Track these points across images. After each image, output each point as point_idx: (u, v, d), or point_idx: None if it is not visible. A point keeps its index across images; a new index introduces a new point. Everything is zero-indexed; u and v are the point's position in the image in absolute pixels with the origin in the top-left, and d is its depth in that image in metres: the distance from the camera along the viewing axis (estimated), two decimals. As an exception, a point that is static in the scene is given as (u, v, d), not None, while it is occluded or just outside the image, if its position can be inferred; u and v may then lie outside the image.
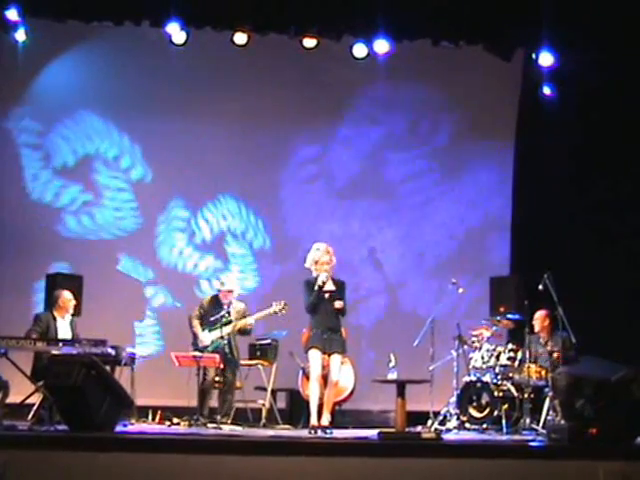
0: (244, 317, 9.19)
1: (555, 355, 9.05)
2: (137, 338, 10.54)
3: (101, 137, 10.80)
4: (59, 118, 10.71)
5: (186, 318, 9.40)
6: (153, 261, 10.83)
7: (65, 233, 10.68)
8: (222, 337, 8.97)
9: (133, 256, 10.76)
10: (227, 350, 9.05)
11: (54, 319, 8.87)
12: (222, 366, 8.94)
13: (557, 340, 9.14)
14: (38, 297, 10.05)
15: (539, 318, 9.45)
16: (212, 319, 9.08)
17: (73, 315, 9.07)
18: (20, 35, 9.82)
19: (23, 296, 10.32)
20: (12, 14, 9.42)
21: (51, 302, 9.04)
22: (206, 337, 9.08)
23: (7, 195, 10.60)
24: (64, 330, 8.87)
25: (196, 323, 9.17)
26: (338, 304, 8.23)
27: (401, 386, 8.29)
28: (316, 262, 8.34)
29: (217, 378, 8.98)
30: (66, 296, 9.00)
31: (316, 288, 8.23)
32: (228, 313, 9.05)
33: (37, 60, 10.48)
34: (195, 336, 9.15)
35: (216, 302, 9.24)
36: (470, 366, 9.44)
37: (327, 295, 8.30)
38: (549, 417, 8.72)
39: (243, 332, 9.25)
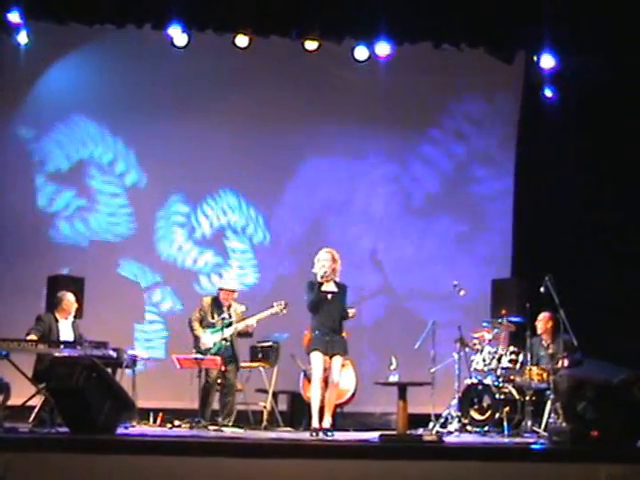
0: (244, 319, 9.19)
1: (558, 361, 9.04)
2: (138, 340, 10.54)
3: (101, 141, 10.81)
4: (60, 121, 10.71)
5: (187, 320, 9.41)
6: (152, 259, 10.85)
7: (60, 239, 10.69)
8: (225, 339, 8.97)
9: (133, 258, 10.78)
10: (229, 352, 9.05)
11: (56, 320, 8.87)
12: (224, 368, 8.94)
13: (559, 343, 9.13)
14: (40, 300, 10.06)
15: (542, 319, 9.44)
16: (213, 321, 9.09)
17: (75, 317, 9.07)
18: (22, 38, 9.82)
19: (24, 298, 10.33)
20: (14, 17, 9.41)
21: (54, 304, 9.04)
22: (208, 339, 9.06)
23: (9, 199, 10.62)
24: (66, 332, 8.87)
25: (197, 326, 9.15)
26: (351, 312, 8.57)
27: (402, 388, 8.28)
28: (317, 262, 8.42)
29: (219, 380, 8.98)
30: (69, 298, 9.00)
31: (319, 278, 8.33)
32: (229, 315, 9.05)
33: (39, 63, 10.49)
34: (196, 339, 9.13)
35: (216, 304, 9.23)
36: (471, 369, 9.43)
37: (329, 296, 8.36)
38: (551, 420, 8.70)
39: (244, 334, 9.25)
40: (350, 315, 8.58)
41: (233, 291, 9.27)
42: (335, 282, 8.44)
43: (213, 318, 9.13)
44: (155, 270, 10.81)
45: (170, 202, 10.93)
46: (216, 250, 10.97)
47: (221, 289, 9.32)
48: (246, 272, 10.94)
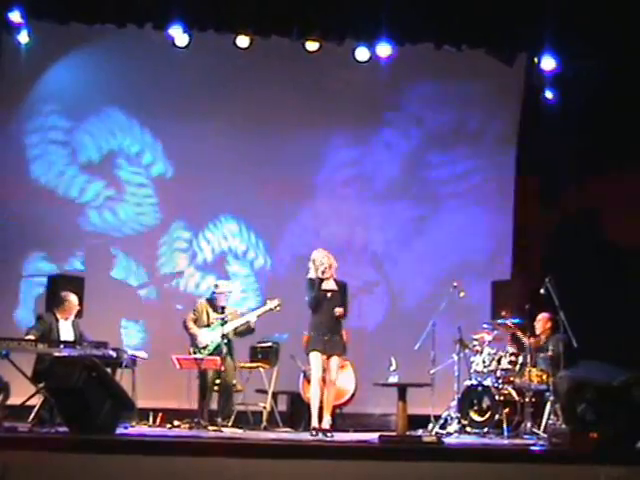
0: (239, 317, 9.20)
1: (552, 355, 9.05)
2: (137, 340, 10.54)
3: (101, 141, 10.82)
4: (60, 120, 10.71)
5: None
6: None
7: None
8: (223, 336, 8.96)
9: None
10: (226, 351, 9.04)
11: (56, 320, 8.86)
12: (223, 368, 8.94)
13: (557, 344, 9.13)
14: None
15: (541, 320, 9.45)
16: (207, 322, 9.10)
17: (75, 316, 9.06)
18: (23, 37, 9.81)
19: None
20: (15, 16, 9.40)
21: (55, 303, 9.03)
22: (206, 336, 9.06)
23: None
24: (66, 331, 8.86)
25: (192, 324, 9.17)
26: (337, 311, 8.33)
27: (402, 390, 8.28)
28: (314, 262, 8.44)
29: (217, 381, 8.97)
30: (73, 300, 8.98)
31: (319, 274, 8.33)
32: (223, 312, 9.05)
33: (40, 62, 10.47)
34: (193, 337, 9.13)
35: (211, 305, 9.26)
36: (471, 370, 9.44)
37: (329, 294, 8.37)
38: (550, 421, 8.72)
39: (246, 331, 9.23)
40: (337, 314, 8.37)
41: (230, 292, 9.29)
42: (335, 280, 8.45)
43: (208, 319, 9.15)
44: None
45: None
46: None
47: (217, 292, 9.31)
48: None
